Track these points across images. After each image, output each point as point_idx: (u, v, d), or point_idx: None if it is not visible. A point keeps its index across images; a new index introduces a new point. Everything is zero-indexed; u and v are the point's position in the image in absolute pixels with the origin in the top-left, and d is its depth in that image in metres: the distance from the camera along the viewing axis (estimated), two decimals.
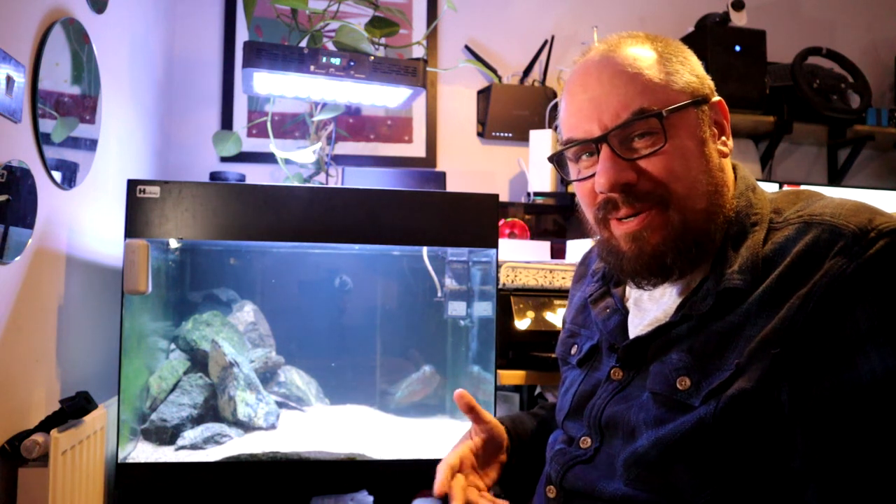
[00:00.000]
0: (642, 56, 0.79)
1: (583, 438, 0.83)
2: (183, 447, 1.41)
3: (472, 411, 0.94)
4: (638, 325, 0.84)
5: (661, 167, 0.75)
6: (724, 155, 0.81)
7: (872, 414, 0.64)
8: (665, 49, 0.80)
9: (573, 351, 0.94)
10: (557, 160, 0.86)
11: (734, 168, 0.84)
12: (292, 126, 2.33)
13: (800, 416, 0.67)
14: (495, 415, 1.48)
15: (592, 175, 0.79)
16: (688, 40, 2.34)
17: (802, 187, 0.89)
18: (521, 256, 1.78)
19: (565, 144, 0.82)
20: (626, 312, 0.87)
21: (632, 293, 0.88)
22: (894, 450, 0.63)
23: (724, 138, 0.82)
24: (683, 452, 0.71)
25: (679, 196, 0.76)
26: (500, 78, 2.42)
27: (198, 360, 1.58)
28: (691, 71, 0.80)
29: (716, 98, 0.82)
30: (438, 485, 0.86)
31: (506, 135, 2.42)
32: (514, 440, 0.99)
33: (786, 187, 0.80)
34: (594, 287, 0.95)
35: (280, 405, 1.60)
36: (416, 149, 2.41)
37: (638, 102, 0.76)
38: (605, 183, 0.76)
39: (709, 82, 0.82)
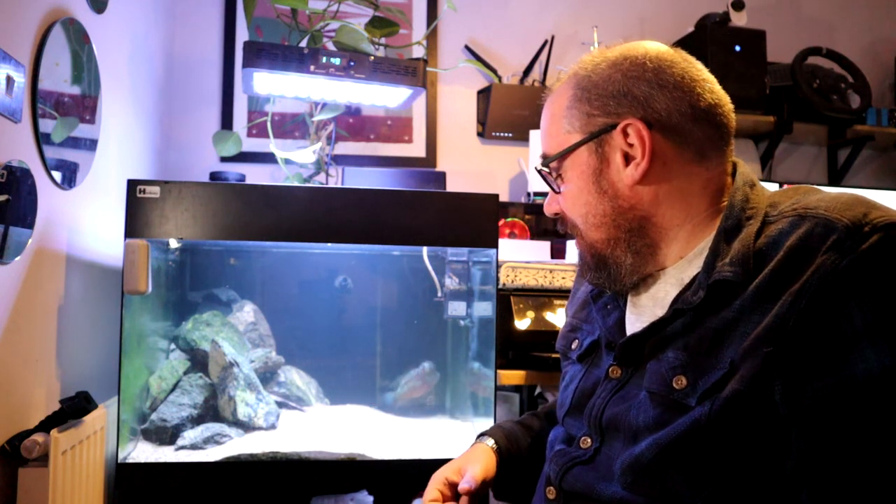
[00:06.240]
0: (559, 98, 0.85)
1: (583, 438, 0.83)
2: (183, 447, 1.41)
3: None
4: (635, 323, 0.84)
5: (565, 205, 0.87)
6: (634, 180, 0.79)
7: (868, 412, 0.63)
8: (601, 78, 0.81)
9: (574, 346, 0.94)
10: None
11: (734, 165, 0.83)
12: (292, 126, 2.33)
13: (794, 416, 0.66)
14: (495, 415, 1.49)
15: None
16: (688, 40, 2.34)
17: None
18: (521, 256, 1.78)
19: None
20: (624, 308, 0.87)
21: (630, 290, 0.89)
22: (891, 449, 0.62)
23: (636, 160, 0.79)
24: (679, 456, 0.70)
25: (580, 229, 0.86)
26: (500, 78, 2.42)
27: (198, 360, 1.58)
28: (618, 93, 0.79)
29: (628, 121, 0.78)
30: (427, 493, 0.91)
31: (506, 135, 2.42)
32: (503, 454, 0.99)
33: (786, 187, 0.81)
34: None
35: (280, 405, 1.60)
36: (416, 149, 2.41)
37: (544, 151, 0.87)
38: (545, 210, 0.91)
39: (654, 103, 0.78)
